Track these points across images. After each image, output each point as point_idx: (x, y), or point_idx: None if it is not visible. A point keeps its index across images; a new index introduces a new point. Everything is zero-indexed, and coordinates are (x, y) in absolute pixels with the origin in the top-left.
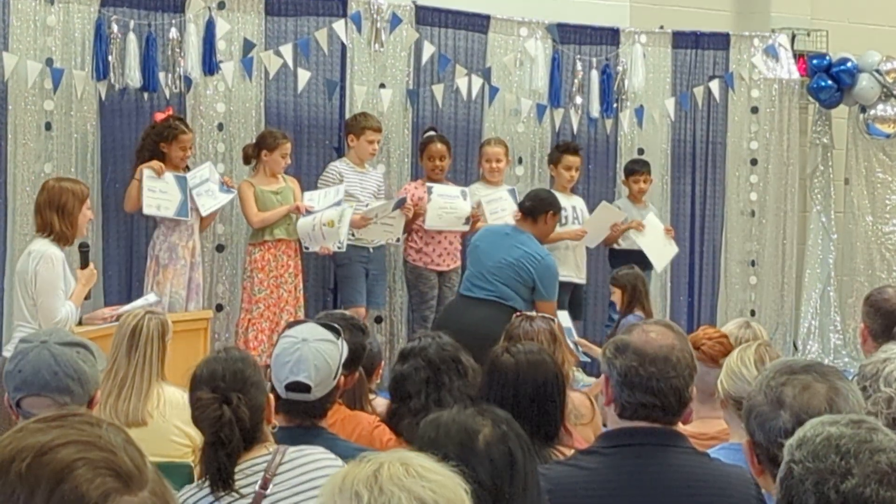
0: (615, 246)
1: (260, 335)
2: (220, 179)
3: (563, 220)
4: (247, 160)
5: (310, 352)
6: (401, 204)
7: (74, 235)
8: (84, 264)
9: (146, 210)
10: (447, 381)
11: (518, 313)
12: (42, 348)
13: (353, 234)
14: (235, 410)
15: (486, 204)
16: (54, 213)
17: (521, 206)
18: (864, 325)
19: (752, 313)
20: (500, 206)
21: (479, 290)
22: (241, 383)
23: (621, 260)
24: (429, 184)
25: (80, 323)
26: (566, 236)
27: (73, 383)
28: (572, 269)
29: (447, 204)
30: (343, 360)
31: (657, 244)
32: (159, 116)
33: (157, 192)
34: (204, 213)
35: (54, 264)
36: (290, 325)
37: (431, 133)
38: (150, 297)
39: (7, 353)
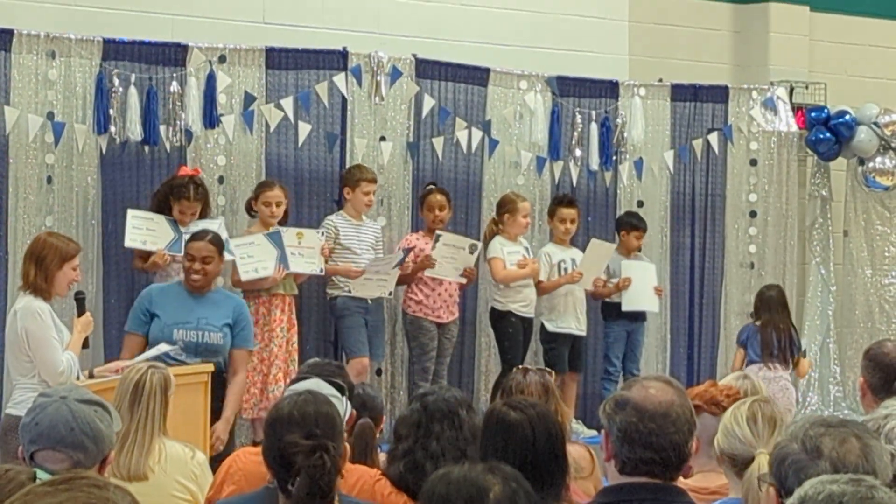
0: (608, 299)
1: (252, 388)
2: (227, 243)
3: (562, 272)
4: (249, 213)
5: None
6: (402, 262)
7: (51, 291)
8: (80, 313)
9: (128, 242)
10: (438, 430)
11: (517, 368)
12: (61, 403)
13: (349, 290)
14: (333, 459)
15: (507, 255)
16: (32, 264)
17: None
18: (864, 378)
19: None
20: (517, 259)
21: None
22: (332, 430)
23: (614, 312)
24: (437, 232)
25: (91, 376)
26: (563, 281)
27: (88, 440)
28: (572, 321)
29: (449, 254)
30: (346, 417)
31: (638, 290)
32: (184, 171)
33: (143, 230)
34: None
35: (41, 317)
36: (294, 381)
37: (433, 186)
38: (161, 346)
39: (9, 410)
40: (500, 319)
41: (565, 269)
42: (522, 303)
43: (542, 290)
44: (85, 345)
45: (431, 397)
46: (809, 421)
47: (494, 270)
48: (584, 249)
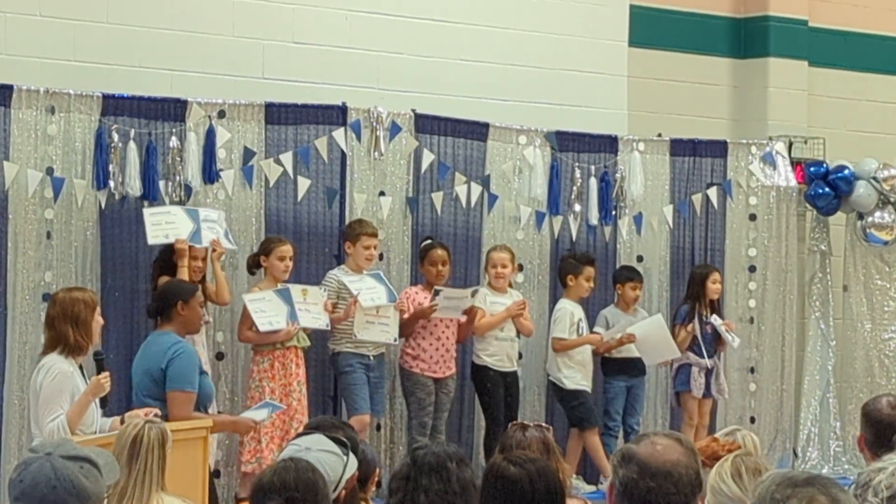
0: (607, 354)
1: (271, 444)
2: (228, 233)
3: (581, 331)
4: (250, 270)
5: (311, 459)
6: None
7: (89, 345)
8: (99, 372)
9: (151, 240)
10: (426, 484)
11: (513, 423)
12: (45, 461)
13: (355, 334)
14: None
15: (490, 306)
16: (68, 325)
17: (148, 311)
18: (861, 434)
19: (752, 420)
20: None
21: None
22: (314, 494)
23: (614, 368)
24: (437, 287)
25: (122, 422)
26: (586, 342)
27: (70, 498)
28: (588, 379)
29: (451, 304)
30: (348, 475)
31: (651, 343)
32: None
33: (162, 224)
34: (204, 243)
35: (58, 379)
36: (298, 435)
37: (430, 241)
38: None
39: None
40: (478, 374)
41: (582, 328)
42: (496, 356)
43: (562, 347)
44: (103, 404)
45: (421, 451)
46: (776, 481)
47: (476, 321)
48: (583, 305)
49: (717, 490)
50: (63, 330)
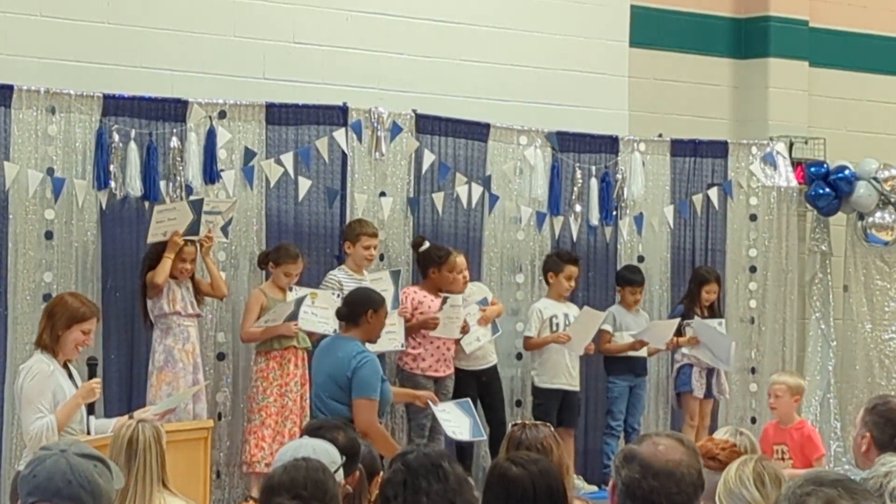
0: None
1: (261, 443)
2: (228, 224)
3: (555, 328)
4: (259, 265)
5: (311, 443)
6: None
7: (56, 350)
8: (91, 378)
9: (150, 238)
10: (424, 486)
11: (515, 423)
12: (60, 457)
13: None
14: None
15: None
16: (44, 319)
17: (337, 313)
18: (870, 434)
19: (753, 420)
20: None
21: (320, 412)
22: (323, 493)
23: (617, 366)
24: (445, 294)
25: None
26: (550, 340)
27: (85, 494)
28: (563, 376)
29: (454, 314)
30: (341, 470)
31: (655, 333)
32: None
33: (164, 222)
34: (200, 234)
35: (38, 379)
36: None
37: (424, 240)
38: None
39: (19, 468)
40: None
41: (557, 325)
42: (466, 359)
43: (530, 346)
44: (91, 411)
45: (412, 455)
46: (806, 477)
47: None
48: (580, 304)
49: (736, 495)
50: (40, 321)
